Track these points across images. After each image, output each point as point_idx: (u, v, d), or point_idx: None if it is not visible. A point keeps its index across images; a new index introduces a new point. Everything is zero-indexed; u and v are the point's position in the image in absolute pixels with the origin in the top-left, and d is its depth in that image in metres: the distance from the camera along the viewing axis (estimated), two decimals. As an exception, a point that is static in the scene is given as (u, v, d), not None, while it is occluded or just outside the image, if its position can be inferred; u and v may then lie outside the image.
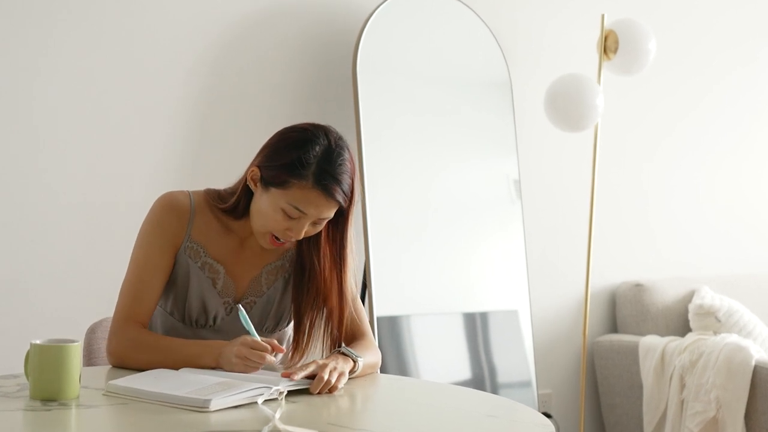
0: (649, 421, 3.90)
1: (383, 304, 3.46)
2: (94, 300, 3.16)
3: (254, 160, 2.15)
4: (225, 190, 2.22)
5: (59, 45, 3.15)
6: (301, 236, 2.11)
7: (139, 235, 2.19)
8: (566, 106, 3.71)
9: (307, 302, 2.21)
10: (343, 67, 3.61)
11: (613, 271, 4.30)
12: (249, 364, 1.98)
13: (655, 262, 4.41)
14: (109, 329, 2.15)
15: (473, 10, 3.82)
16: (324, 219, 2.12)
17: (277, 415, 1.68)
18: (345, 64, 3.61)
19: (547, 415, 3.92)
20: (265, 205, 2.10)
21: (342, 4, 3.62)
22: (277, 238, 2.12)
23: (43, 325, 3.09)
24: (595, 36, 3.96)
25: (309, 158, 2.07)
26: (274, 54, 3.50)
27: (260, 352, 1.98)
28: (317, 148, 2.09)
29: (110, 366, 2.15)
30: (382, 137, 3.56)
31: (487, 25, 3.84)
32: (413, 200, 3.63)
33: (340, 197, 2.09)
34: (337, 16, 3.61)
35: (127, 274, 2.17)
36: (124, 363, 2.10)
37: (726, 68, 4.58)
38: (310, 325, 2.21)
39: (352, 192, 2.12)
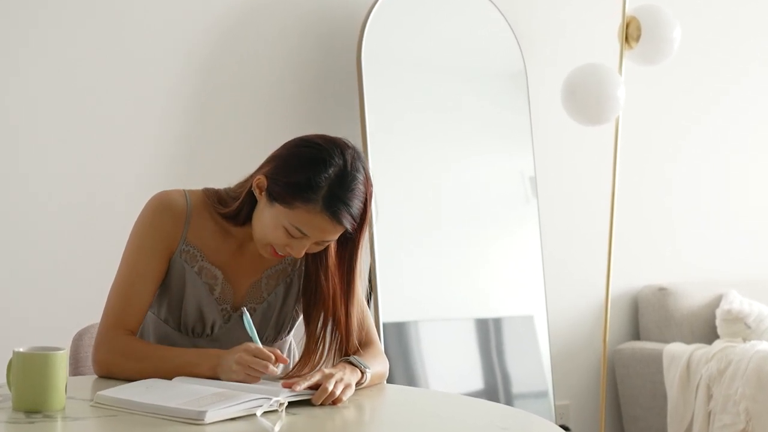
0: (673, 434, 3.91)
1: (390, 309, 3.46)
2: (80, 305, 3.15)
3: (262, 167, 2.13)
4: (226, 191, 2.20)
5: (47, 37, 3.15)
6: (302, 255, 2.11)
7: (130, 236, 2.18)
8: (585, 98, 3.71)
9: (315, 314, 2.21)
10: (346, 59, 3.61)
11: (635, 274, 4.30)
12: (251, 373, 1.98)
13: (679, 264, 4.41)
14: (95, 337, 2.15)
15: (485, -4, 3.83)
16: (327, 241, 2.12)
17: (277, 428, 1.68)
18: (349, 55, 3.61)
19: (565, 428, 3.91)
20: (268, 218, 2.09)
21: (345, -10, 3.63)
22: (277, 251, 2.13)
23: (27, 332, 3.10)
24: (616, 23, 3.96)
25: (320, 181, 2.05)
26: (273, 45, 3.51)
27: (263, 361, 1.98)
28: (330, 171, 2.06)
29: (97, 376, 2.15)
30: (389, 133, 3.56)
31: (500, 12, 3.84)
32: (421, 199, 3.64)
33: (347, 223, 2.07)
34: (340, 4, 3.62)
35: (116, 277, 2.17)
36: (112, 373, 2.10)
37: (755, 57, 4.58)
38: (320, 338, 2.21)
39: (363, 216, 2.10)
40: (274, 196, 2.09)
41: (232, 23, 3.44)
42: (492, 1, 3.83)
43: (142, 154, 3.30)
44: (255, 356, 1.98)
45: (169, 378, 2.02)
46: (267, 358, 1.98)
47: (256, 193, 2.12)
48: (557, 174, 4.10)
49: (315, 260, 2.19)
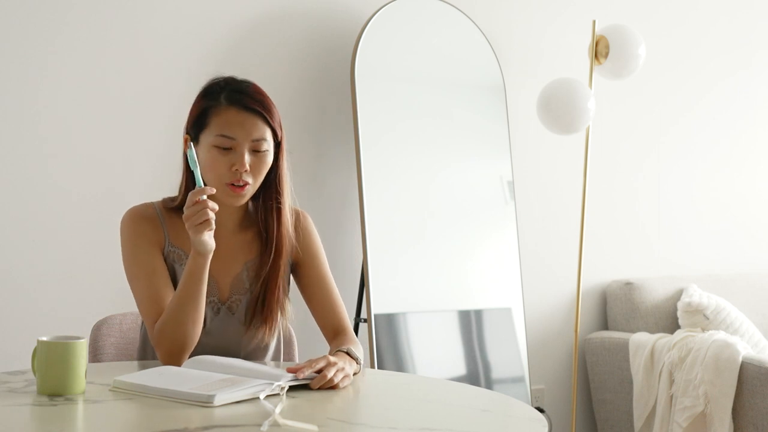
0: (639, 416, 3.91)
1: (381, 302, 3.46)
2: (99, 298, 3.16)
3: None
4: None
5: (65, 45, 3.15)
6: (246, 167, 2.10)
7: (123, 254, 2.18)
8: (558, 109, 3.72)
9: (262, 264, 2.21)
10: (341, 72, 3.61)
11: (604, 270, 4.31)
12: (198, 210, 1.98)
13: (645, 260, 4.41)
14: (152, 340, 2.12)
15: (468, 17, 3.83)
16: (259, 141, 2.12)
17: (278, 410, 1.68)
18: (343, 69, 3.61)
19: (540, 410, 3.92)
20: (204, 156, 2.12)
21: (339, 10, 3.62)
22: (233, 184, 2.12)
23: (50, 323, 3.10)
24: (587, 41, 3.97)
25: (216, 87, 2.15)
26: (272, 60, 3.50)
27: (202, 194, 1.99)
28: (221, 82, 2.17)
29: (115, 362, 2.14)
30: (380, 140, 3.56)
31: (481, 31, 3.85)
32: (410, 201, 3.64)
33: (258, 107, 2.12)
34: (335, 22, 3.62)
35: (134, 287, 2.15)
36: (182, 350, 2.07)
37: (719, 74, 4.58)
38: (269, 292, 2.20)
39: (274, 111, 2.15)
40: (195, 132, 2.14)
41: (234, 41, 3.43)
42: (474, 22, 3.84)
43: (155, 151, 3.29)
44: (198, 194, 1.99)
45: (196, 291, 2.03)
46: (203, 192, 1.99)
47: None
48: (533, 178, 4.10)
49: (265, 213, 2.21)
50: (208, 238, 2.02)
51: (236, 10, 3.43)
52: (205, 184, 2.09)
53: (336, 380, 1.93)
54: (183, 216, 2.01)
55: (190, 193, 2.00)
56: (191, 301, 2.04)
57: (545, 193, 4.15)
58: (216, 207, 2.00)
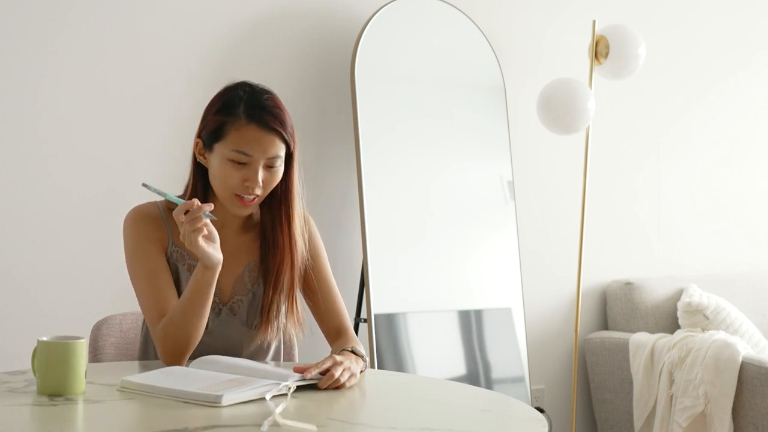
0: (639, 416, 3.91)
1: (381, 302, 3.46)
2: (99, 298, 3.16)
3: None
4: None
5: (65, 45, 3.15)
6: (259, 183, 2.10)
7: (126, 254, 2.17)
8: (558, 109, 3.72)
9: (263, 268, 2.20)
10: (341, 72, 3.61)
11: (604, 270, 4.31)
12: (193, 221, 1.97)
13: (644, 261, 4.41)
14: (153, 340, 2.11)
15: (468, 17, 3.83)
16: (274, 158, 2.11)
17: (278, 410, 1.68)
18: (343, 69, 3.61)
19: (540, 410, 3.92)
20: (216, 165, 2.11)
21: (339, 10, 3.62)
22: (242, 196, 2.12)
23: (50, 323, 3.10)
24: (587, 41, 3.97)
25: (235, 99, 2.11)
26: (272, 60, 3.50)
27: (189, 205, 1.97)
28: (240, 92, 2.13)
29: (115, 362, 2.14)
30: (380, 140, 3.56)
31: (481, 31, 3.85)
32: (410, 201, 3.64)
33: (278, 127, 2.10)
34: (335, 22, 3.62)
35: (136, 286, 2.15)
36: (183, 353, 2.07)
37: (719, 74, 4.58)
38: (272, 295, 2.19)
39: (290, 124, 2.13)
40: (209, 141, 2.12)
41: (234, 41, 3.43)
42: (474, 22, 3.84)
43: (155, 151, 3.29)
44: (182, 210, 1.98)
45: (203, 299, 2.03)
46: (189, 204, 1.97)
47: (200, 158, 2.15)
48: (533, 178, 4.10)
49: (270, 214, 2.19)
50: (213, 250, 2.01)
51: (236, 10, 3.43)
52: (207, 199, 2.13)
53: (342, 380, 1.93)
54: (181, 230, 1.99)
55: (174, 212, 1.99)
56: (196, 310, 2.04)
57: (545, 193, 4.15)
58: (211, 206, 2.00)
